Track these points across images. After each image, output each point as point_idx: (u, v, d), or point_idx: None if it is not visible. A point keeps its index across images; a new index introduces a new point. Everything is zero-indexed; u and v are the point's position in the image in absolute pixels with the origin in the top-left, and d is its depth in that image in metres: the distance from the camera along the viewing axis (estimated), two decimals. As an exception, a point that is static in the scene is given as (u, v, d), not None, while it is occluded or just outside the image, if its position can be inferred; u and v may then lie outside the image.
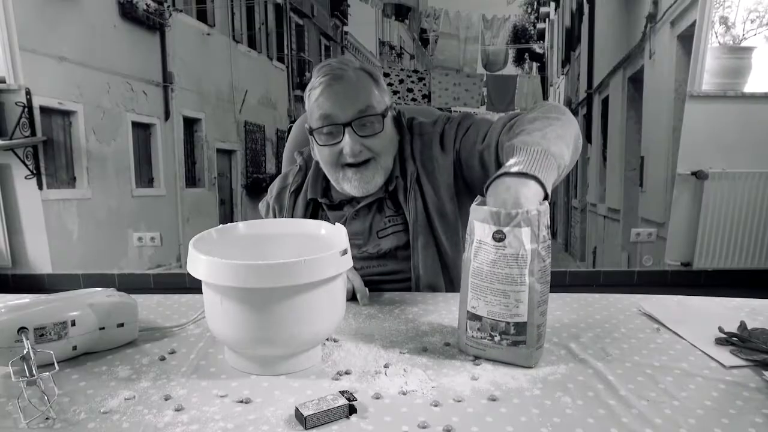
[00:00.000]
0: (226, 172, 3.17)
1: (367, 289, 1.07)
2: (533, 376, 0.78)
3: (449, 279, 1.20)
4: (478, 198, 0.84)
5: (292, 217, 1.25)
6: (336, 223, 0.90)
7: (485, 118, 1.20)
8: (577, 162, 3.31)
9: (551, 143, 0.88)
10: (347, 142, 1.11)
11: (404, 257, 1.20)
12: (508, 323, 0.79)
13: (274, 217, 1.30)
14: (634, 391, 0.74)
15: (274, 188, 1.31)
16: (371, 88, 1.14)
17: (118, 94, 2.98)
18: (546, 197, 0.82)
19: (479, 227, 0.80)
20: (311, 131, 1.16)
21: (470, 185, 1.18)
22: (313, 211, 1.26)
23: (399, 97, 3.04)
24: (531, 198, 0.79)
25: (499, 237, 0.78)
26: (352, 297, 1.06)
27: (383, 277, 1.20)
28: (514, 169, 0.82)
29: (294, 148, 1.43)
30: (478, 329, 0.82)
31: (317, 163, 1.23)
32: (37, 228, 3.13)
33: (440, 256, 1.19)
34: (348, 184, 1.16)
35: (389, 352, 0.85)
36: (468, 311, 0.83)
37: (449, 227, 1.18)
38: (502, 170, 0.83)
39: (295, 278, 0.73)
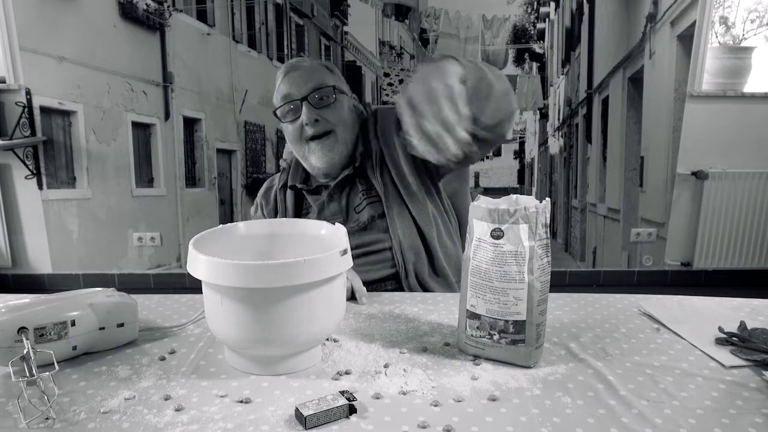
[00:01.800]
0: (226, 172, 3.17)
1: (365, 288, 1.08)
2: (533, 376, 0.78)
3: (427, 246, 1.27)
4: (478, 197, 0.85)
5: (285, 209, 1.35)
6: (336, 223, 0.90)
7: None
8: (577, 162, 3.28)
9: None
10: (304, 112, 1.24)
11: (383, 227, 1.28)
12: (506, 321, 0.79)
13: (262, 212, 1.41)
14: (634, 391, 0.74)
15: (262, 188, 1.45)
16: (325, 73, 1.29)
17: (118, 94, 2.98)
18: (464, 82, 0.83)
19: (478, 225, 0.80)
20: (275, 113, 1.29)
21: (425, 161, 1.26)
22: (299, 201, 1.37)
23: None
24: (453, 70, 0.80)
25: (497, 234, 0.78)
26: (351, 297, 1.06)
27: (367, 249, 1.27)
28: (435, 56, 0.88)
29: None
30: (477, 328, 0.82)
31: (296, 159, 1.36)
32: (37, 228, 3.13)
33: (416, 221, 1.27)
34: (313, 156, 1.27)
35: (389, 352, 0.85)
36: (467, 310, 0.83)
37: (415, 199, 1.27)
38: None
39: (295, 278, 0.73)
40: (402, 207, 1.26)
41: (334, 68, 1.33)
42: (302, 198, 1.37)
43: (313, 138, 1.25)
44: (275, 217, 1.37)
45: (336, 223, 0.90)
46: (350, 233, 1.24)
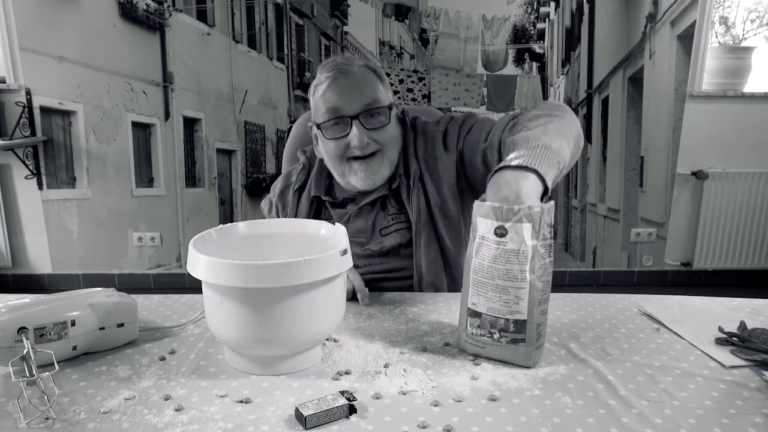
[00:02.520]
0: (226, 172, 3.17)
1: (367, 289, 1.07)
2: (533, 376, 0.78)
3: (451, 277, 1.21)
4: (483, 195, 0.84)
5: (296, 215, 1.26)
6: (336, 223, 0.90)
7: (488, 117, 1.21)
8: (577, 162, 3.30)
9: (552, 139, 0.88)
10: (355, 134, 1.12)
11: (407, 255, 1.20)
12: (507, 320, 0.79)
13: (277, 214, 1.30)
14: (634, 391, 0.74)
15: (277, 186, 1.32)
16: (376, 83, 1.17)
17: (118, 94, 2.98)
18: (546, 191, 0.82)
19: (482, 223, 0.80)
20: (318, 126, 1.17)
21: (473, 184, 1.20)
22: (317, 209, 1.27)
23: (399, 97, 3.04)
24: (531, 192, 0.79)
25: (500, 232, 0.78)
26: (352, 297, 1.06)
27: (386, 275, 1.21)
28: (514, 163, 0.81)
29: (294, 147, 1.44)
30: (478, 326, 0.82)
31: (320, 161, 1.25)
32: (37, 228, 3.13)
33: (443, 254, 1.19)
34: (354, 177, 1.17)
35: (389, 352, 0.85)
36: (468, 308, 0.83)
37: (452, 225, 1.19)
38: (502, 164, 0.83)
39: (295, 278, 0.73)
40: (431, 235, 1.17)
41: (381, 72, 1.20)
42: (321, 206, 1.27)
43: (357, 158, 1.15)
44: None
45: (336, 223, 0.90)
46: (370, 255, 1.21)
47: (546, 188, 0.81)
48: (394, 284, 1.20)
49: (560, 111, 0.99)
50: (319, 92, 1.15)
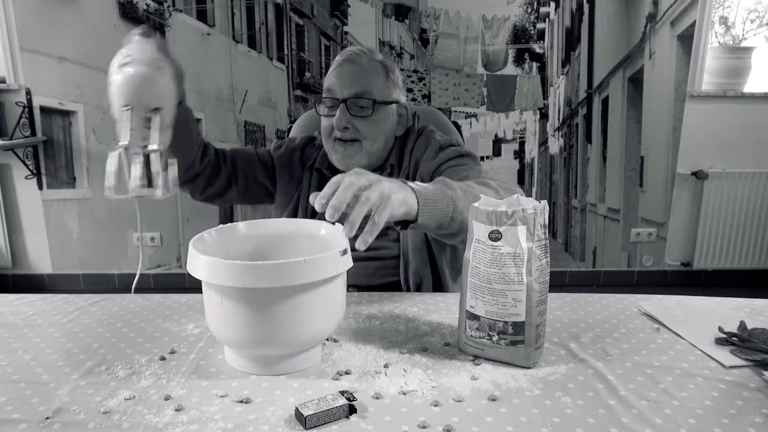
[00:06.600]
0: (226, 172, 3.17)
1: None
2: (533, 376, 0.78)
3: (435, 267, 1.25)
4: (480, 197, 0.85)
5: (310, 188, 1.32)
6: (335, 224, 0.90)
7: (478, 168, 1.22)
8: (577, 161, 3.26)
9: (463, 200, 0.91)
10: (338, 116, 1.22)
11: (395, 237, 1.27)
12: (506, 323, 0.79)
13: (270, 167, 1.35)
14: (634, 391, 0.74)
15: (295, 141, 1.39)
16: (377, 77, 1.25)
17: (118, 94, 2.98)
18: (410, 221, 0.86)
19: (477, 227, 0.80)
20: (319, 101, 1.28)
21: None
22: (320, 183, 1.33)
23: (399, 97, 3.04)
24: (396, 188, 0.82)
25: (495, 236, 0.78)
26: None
27: (375, 254, 1.26)
28: (410, 184, 0.87)
29: None
30: (477, 329, 0.82)
31: None
32: (37, 228, 3.13)
33: (427, 244, 1.24)
34: (334, 156, 1.26)
35: (389, 352, 0.85)
36: (467, 310, 0.83)
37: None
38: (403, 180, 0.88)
39: (295, 278, 0.73)
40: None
41: (393, 68, 1.29)
42: (325, 182, 1.35)
43: (339, 140, 1.24)
44: (285, 175, 1.35)
45: (336, 223, 0.90)
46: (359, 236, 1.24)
47: (414, 214, 0.85)
48: (382, 263, 1.25)
49: (507, 191, 1.01)
50: (328, 72, 1.27)
